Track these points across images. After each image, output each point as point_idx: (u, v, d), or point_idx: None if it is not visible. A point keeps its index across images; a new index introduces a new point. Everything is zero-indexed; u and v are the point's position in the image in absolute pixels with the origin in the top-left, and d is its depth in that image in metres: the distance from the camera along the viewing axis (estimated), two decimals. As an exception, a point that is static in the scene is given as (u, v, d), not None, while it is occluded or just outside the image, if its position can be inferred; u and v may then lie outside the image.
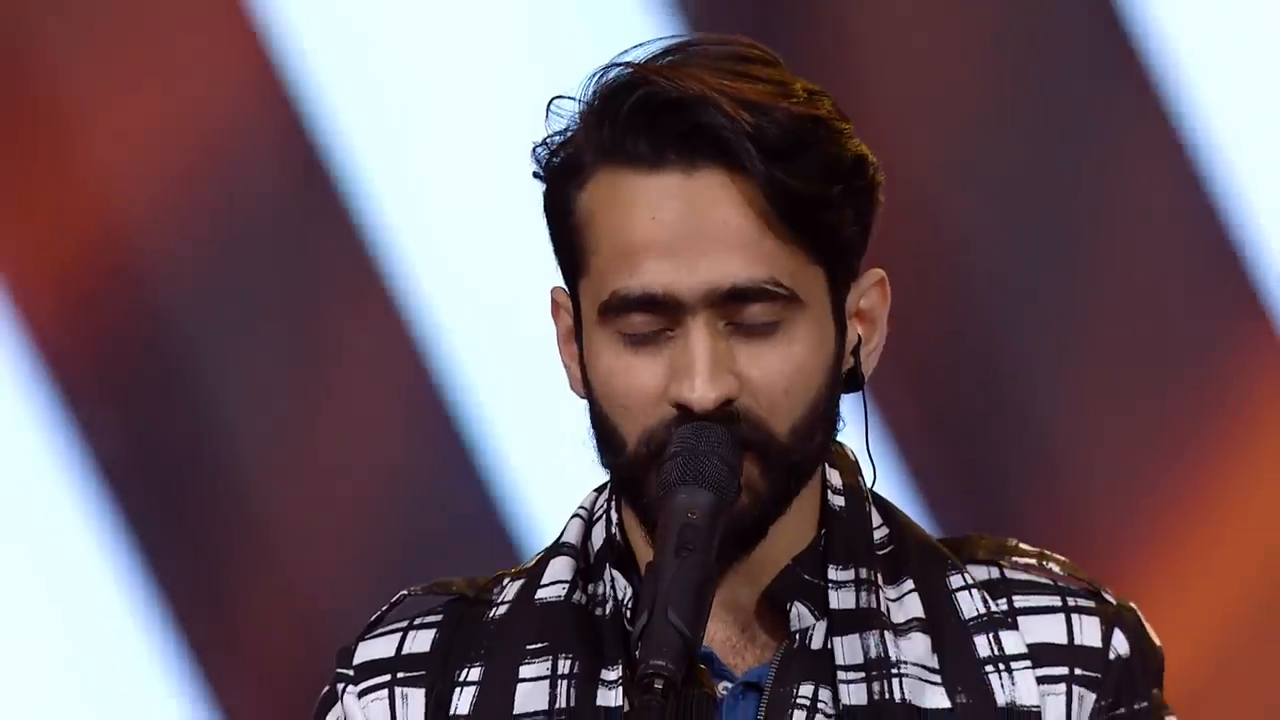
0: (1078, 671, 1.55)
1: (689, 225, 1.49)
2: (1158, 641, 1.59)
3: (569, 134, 1.53)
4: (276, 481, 3.52)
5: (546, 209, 1.55)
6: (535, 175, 1.55)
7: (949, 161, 3.52)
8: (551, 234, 1.56)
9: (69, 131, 3.58)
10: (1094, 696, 1.55)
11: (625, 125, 1.50)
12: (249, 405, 3.55)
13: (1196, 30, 3.53)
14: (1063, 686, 1.55)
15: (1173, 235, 3.53)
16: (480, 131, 3.52)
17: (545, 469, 3.40)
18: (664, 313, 1.50)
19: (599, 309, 1.51)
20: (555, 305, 1.57)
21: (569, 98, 1.53)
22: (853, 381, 1.57)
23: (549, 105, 1.54)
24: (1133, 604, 1.60)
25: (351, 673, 1.60)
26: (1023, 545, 1.62)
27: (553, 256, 1.58)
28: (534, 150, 1.55)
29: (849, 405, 1.59)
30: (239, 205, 3.55)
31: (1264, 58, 3.53)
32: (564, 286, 1.57)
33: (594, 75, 1.53)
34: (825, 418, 1.54)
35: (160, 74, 3.55)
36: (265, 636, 3.49)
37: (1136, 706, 1.56)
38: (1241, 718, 3.41)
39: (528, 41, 3.54)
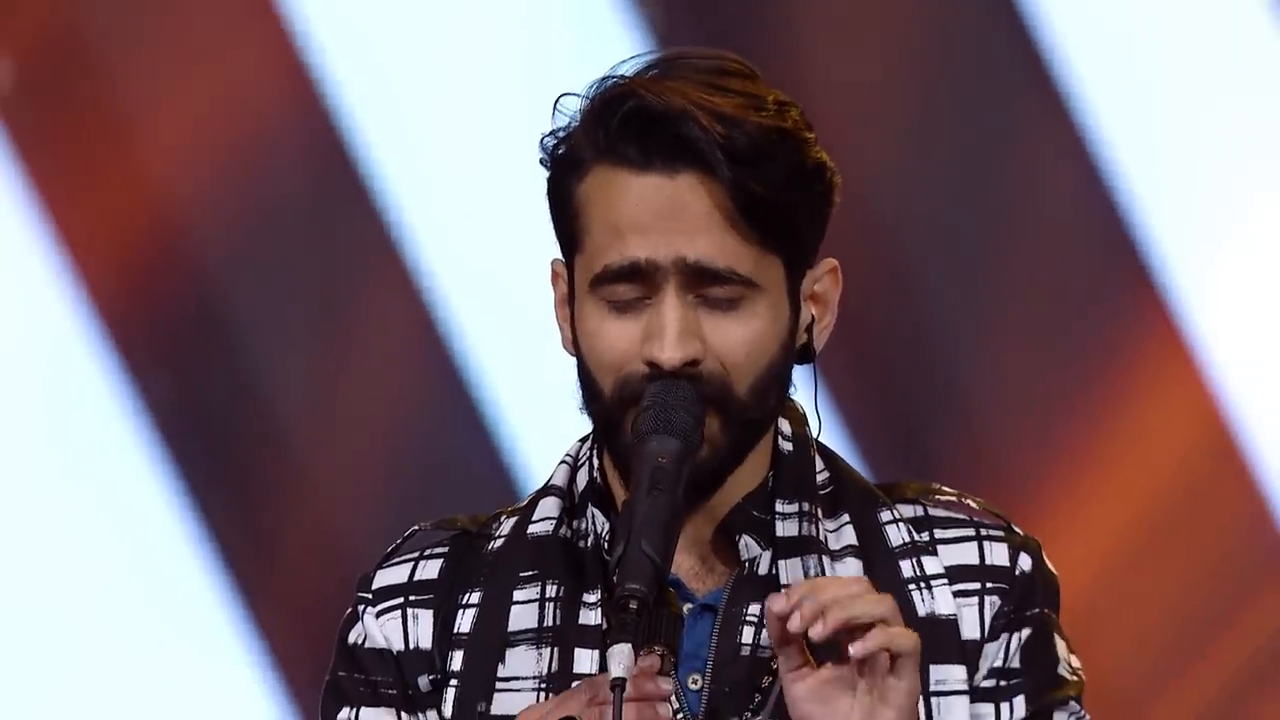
0: (989, 585, 1.55)
1: (668, 214, 1.49)
2: (1054, 572, 1.59)
3: (571, 131, 1.53)
4: (310, 431, 3.52)
5: (549, 193, 1.55)
6: (541, 163, 1.55)
7: (882, 158, 3.52)
8: (553, 215, 1.56)
9: (129, 128, 3.57)
10: (1000, 602, 1.55)
11: (618, 132, 1.50)
12: (285, 364, 3.55)
13: (1095, 43, 3.54)
14: (975, 599, 1.55)
15: (1074, 220, 3.54)
16: (484, 126, 3.52)
17: (538, 421, 3.40)
18: (643, 281, 1.50)
19: (590, 281, 1.51)
20: (554, 275, 1.57)
21: (574, 94, 1.53)
22: (805, 354, 1.57)
23: (555, 103, 1.54)
24: (1036, 538, 1.60)
25: (370, 596, 1.60)
26: (945, 488, 1.62)
27: (551, 233, 1.58)
28: (541, 141, 1.55)
29: (800, 371, 1.59)
30: (275, 190, 3.54)
31: (1151, 67, 3.53)
32: (561, 259, 1.57)
33: (594, 83, 1.53)
34: (779, 382, 1.54)
35: (208, 78, 3.55)
36: (300, 563, 3.49)
37: (1029, 613, 1.56)
38: (1127, 622, 3.43)
39: (524, 45, 3.53)
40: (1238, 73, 3.52)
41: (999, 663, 1.54)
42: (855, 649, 1.40)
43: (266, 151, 3.53)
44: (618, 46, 3.41)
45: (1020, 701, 1.54)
